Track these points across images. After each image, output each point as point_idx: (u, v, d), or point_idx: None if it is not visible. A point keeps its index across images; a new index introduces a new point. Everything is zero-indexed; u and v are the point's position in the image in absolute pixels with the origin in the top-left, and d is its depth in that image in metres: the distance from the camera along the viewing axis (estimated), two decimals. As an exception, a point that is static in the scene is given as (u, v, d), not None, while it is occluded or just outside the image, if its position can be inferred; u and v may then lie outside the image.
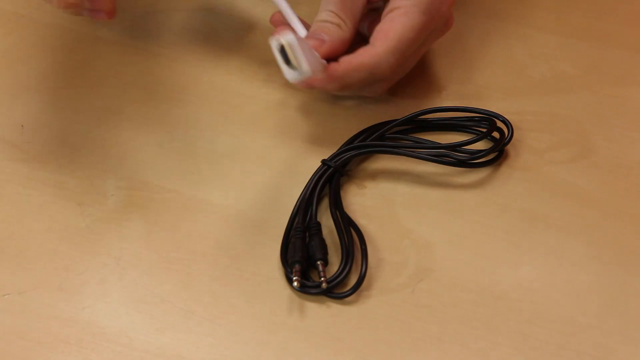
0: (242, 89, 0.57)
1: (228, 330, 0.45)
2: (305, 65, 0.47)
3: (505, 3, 0.63)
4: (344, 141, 0.53)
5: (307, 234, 0.48)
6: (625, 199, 0.51)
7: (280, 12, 0.54)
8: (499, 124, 0.53)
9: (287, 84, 0.56)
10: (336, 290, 0.46)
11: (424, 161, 0.52)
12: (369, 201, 0.51)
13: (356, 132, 0.53)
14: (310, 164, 0.52)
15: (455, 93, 0.56)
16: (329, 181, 0.51)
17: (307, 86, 0.52)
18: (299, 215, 0.49)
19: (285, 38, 0.46)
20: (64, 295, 0.47)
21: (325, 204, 0.51)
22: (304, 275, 0.47)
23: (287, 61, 0.47)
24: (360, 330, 0.45)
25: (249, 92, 0.57)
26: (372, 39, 0.51)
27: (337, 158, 0.51)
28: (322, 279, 0.46)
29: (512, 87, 0.57)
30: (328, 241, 0.48)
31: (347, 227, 0.49)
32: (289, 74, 0.47)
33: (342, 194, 0.51)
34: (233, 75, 0.58)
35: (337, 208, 0.50)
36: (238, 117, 0.55)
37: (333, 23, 0.51)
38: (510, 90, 0.56)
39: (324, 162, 0.51)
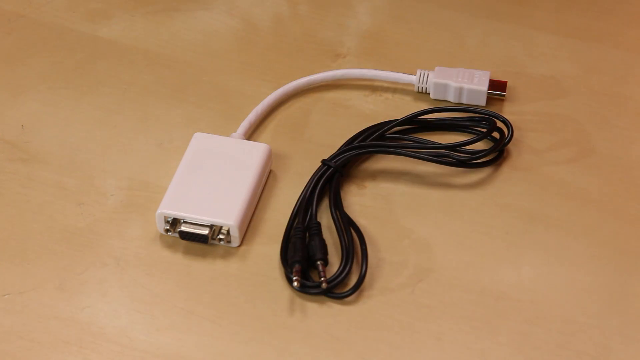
0: (242, 89, 0.57)
1: (228, 330, 0.45)
2: None
3: (505, 3, 0.63)
4: (344, 141, 0.53)
5: (307, 234, 0.48)
6: (625, 199, 0.51)
7: None
8: (499, 124, 0.53)
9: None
10: (336, 290, 0.46)
11: (424, 161, 0.52)
12: (369, 201, 0.51)
13: (356, 132, 0.53)
14: (310, 164, 0.52)
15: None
16: (329, 181, 0.51)
17: None
18: (299, 215, 0.49)
19: None
20: (64, 295, 0.47)
21: (325, 204, 0.51)
22: (304, 275, 0.47)
23: None
24: (360, 330, 0.45)
25: (249, 92, 0.57)
26: None
27: (337, 158, 0.51)
28: (322, 279, 0.46)
29: (512, 87, 0.57)
30: (328, 241, 0.48)
31: (347, 227, 0.49)
32: None
33: (342, 194, 0.51)
34: (233, 75, 0.58)
35: (337, 208, 0.50)
36: (238, 117, 0.55)
37: None
38: (511, 90, 0.56)
39: (324, 162, 0.51)
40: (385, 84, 0.57)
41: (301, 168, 0.52)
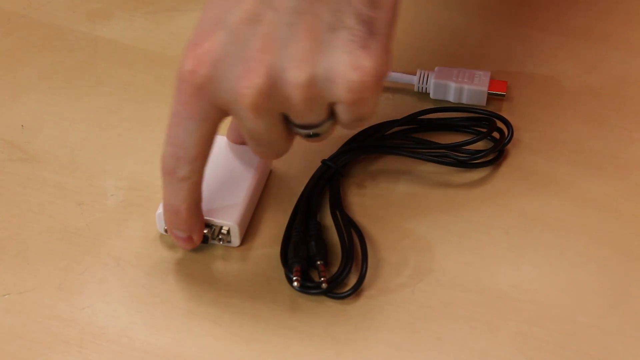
0: (242, 89, 0.57)
1: (228, 330, 0.45)
2: None
3: (505, 3, 0.63)
4: (344, 141, 0.53)
5: (307, 234, 0.48)
6: (625, 199, 0.51)
7: None
8: (499, 124, 0.53)
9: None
10: (336, 290, 0.46)
11: (424, 161, 0.52)
12: (369, 201, 0.51)
13: (356, 132, 0.53)
14: (310, 164, 0.52)
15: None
16: (329, 181, 0.51)
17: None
18: (299, 215, 0.49)
19: None
20: (64, 295, 0.47)
21: (325, 204, 0.51)
22: (304, 275, 0.47)
23: None
24: (360, 330, 0.45)
25: (249, 92, 0.57)
26: None
27: (337, 158, 0.51)
28: (322, 279, 0.46)
29: (512, 87, 0.57)
30: (328, 241, 0.48)
31: (347, 227, 0.49)
32: None
33: (342, 194, 0.51)
34: (233, 75, 0.58)
35: (337, 208, 0.50)
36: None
37: None
38: (511, 91, 0.56)
39: (324, 162, 0.51)
40: (385, 84, 0.57)
41: (301, 168, 0.52)
